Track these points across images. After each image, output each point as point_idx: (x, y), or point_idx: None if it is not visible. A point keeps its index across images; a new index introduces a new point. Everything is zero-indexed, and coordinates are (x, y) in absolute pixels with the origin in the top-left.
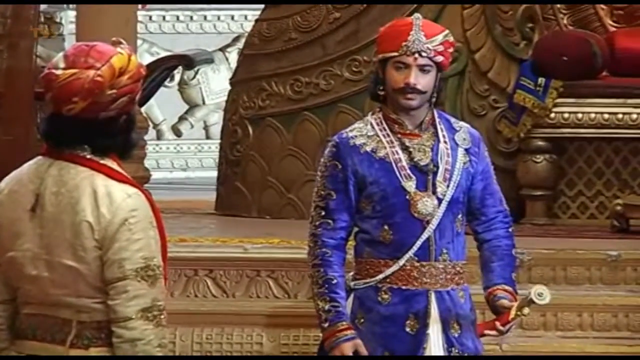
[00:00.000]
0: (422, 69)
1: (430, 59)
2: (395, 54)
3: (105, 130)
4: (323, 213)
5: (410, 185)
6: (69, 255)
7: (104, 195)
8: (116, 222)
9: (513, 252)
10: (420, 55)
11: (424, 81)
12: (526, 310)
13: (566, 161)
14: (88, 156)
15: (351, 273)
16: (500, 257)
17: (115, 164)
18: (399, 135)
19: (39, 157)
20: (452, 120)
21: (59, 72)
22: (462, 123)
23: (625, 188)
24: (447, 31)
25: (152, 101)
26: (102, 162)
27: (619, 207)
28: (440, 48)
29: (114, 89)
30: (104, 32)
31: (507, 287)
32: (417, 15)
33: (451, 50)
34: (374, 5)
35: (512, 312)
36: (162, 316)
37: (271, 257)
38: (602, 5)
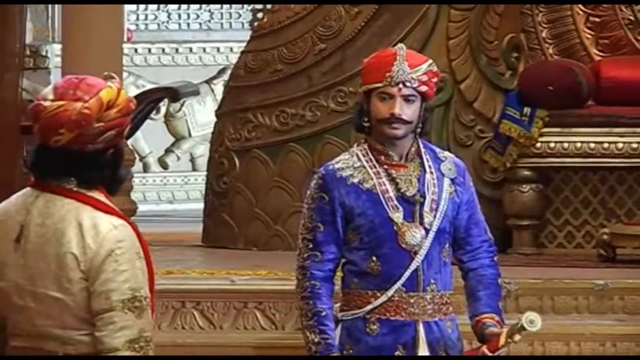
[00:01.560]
0: (407, 99)
1: (414, 89)
2: (380, 84)
3: (92, 163)
4: (311, 245)
5: (398, 216)
6: (54, 286)
7: (89, 227)
8: (102, 253)
9: (499, 282)
10: (405, 86)
11: (409, 111)
12: (517, 337)
13: (552, 191)
14: (74, 188)
15: (338, 304)
16: (486, 286)
17: (103, 196)
18: (385, 166)
19: (27, 189)
20: (437, 150)
21: (47, 103)
22: (447, 153)
23: (611, 217)
24: (430, 61)
25: (138, 134)
26: (89, 194)
27: (605, 236)
28: (424, 78)
29: (101, 122)
30: (90, 65)
31: (494, 316)
32: (400, 45)
33: (435, 80)
34: (359, 36)
35: (502, 339)
36: (149, 347)
37: (258, 289)
38: (588, 35)
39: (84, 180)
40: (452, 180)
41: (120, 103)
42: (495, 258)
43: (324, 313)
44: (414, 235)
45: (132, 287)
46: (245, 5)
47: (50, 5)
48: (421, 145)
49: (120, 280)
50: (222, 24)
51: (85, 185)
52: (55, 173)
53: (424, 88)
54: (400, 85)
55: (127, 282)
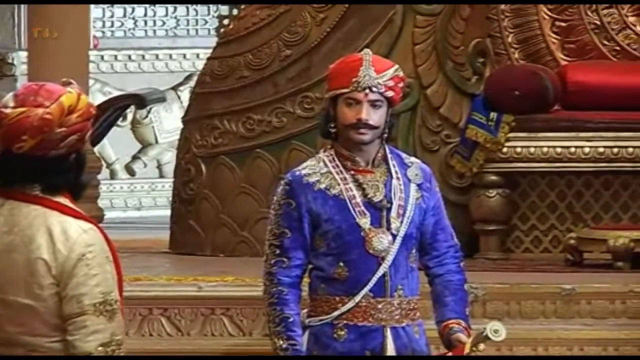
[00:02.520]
0: (373, 104)
1: (381, 94)
2: (346, 90)
3: (55, 168)
4: (278, 251)
5: (365, 222)
6: (23, 293)
7: (59, 231)
8: (73, 258)
9: (465, 287)
10: (371, 91)
11: (375, 116)
12: (481, 347)
13: (519, 195)
14: (40, 194)
15: (305, 310)
16: (453, 292)
17: (69, 201)
18: (352, 172)
19: None
20: (404, 155)
21: (8, 110)
22: (413, 159)
23: (578, 221)
24: (397, 66)
25: (105, 141)
26: (54, 199)
27: (572, 241)
28: (391, 83)
29: (63, 127)
30: (56, 72)
31: (461, 322)
32: (366, 50)
33: (401, 85)
34: (325, 42)
35: (467, 348)
36: (121, 350)
37: (225, 295)
38: (554, 39)
39: (48, 186)
40: (419, 185)
41: (81, 108)
42: (462, 264)
43: (291, 319)
44: (381, 240)
45: (103, 290)
46: (212, 12)
47: (16, 13)
48: (387, 151)
49: (92, 284)
50: (188, 30)
51: (50, 191)
52: (19, 180)
53: (390, 93)
54: (367, 91)
55: (99, 285)
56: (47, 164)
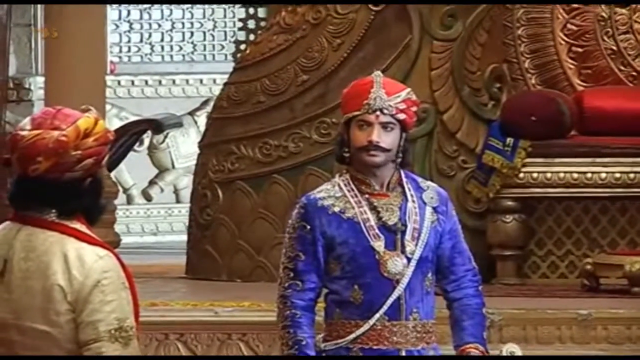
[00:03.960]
0: (385, 126)
1: (392, 116)
2: (358, 113)
3: (70, 192)
4: (292, 274)
5: (379, 245)
6: (40, 320)
7: (75, 258)
8: (89, 284)
9: (483, 311)
10: (382, 113)
11: (387, 139)
12: None
13: (535, 221)
14: (56, 220)
15: (321, 335)
16: (471, 316)
17: (85, 227)
18: (367, 195)
19: (7, 223)
20: (419, 179)
21: (24, 133)
22: (429, 182)
23: (594, 247)
24: (409, 89)
25: (121, 166)
26: (71, 225)
27: (588, 266)
28: (402, 106)
29: (79, 149)
30: (73, 97)
31: (479, 346)
32: (377, 72)
33: (415, 109)
34: (342, 68)
35: None
36: None
37: (242, 320)
38: (570, 65)
39: (63, 210)
40: (434, 208)
41: (98, 132)
42: (480, 287)
43: (304, 342)
44: (395, 263)
45: (118, 317)
46: (228, 37)
47: (33, 38)
48: (403, 175)
49: (107, 311)
50: (205, 55)
51: (66, 215)
52: (35, 204)
53: (402, 116)
54: (378, 113)
55: (114, 312)
56: (63, 188)
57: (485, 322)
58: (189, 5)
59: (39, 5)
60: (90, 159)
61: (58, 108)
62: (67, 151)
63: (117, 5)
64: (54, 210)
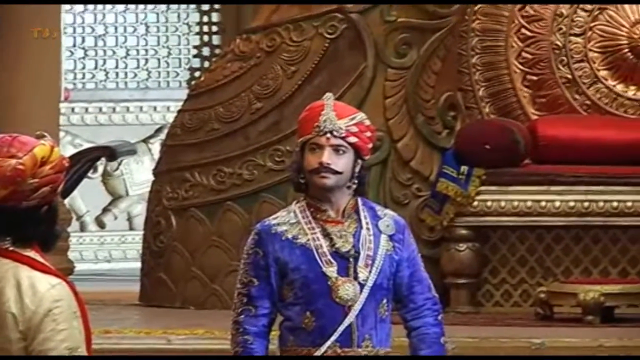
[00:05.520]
0: (337, 149)
1: (343, 139)
2: (310, 136)
3: (27, 220)
4: (245, 300)
5: (332, 271)
6: None
7: (27, 286)
8: (40, 313)
9: (441, 341)
10: (333, 135)
11: (339, 161)
12: None
13: (489, 249)
14: (10, 248)
15: None
16: (429, 345)
17: (39, 255)
18: (321, 222)
19: None
20: (377, 207)
21: None
22: (387, 210)
23: (548, 275)
24: (361, 114)
25: (75, 193)
26: (25, 253)
27: (542, 295)
28: (354, 129)
29: (35, 178)
30: (27, 124)
31: None
32: (328, 95)
33: (369, 134)
34: (296, 95)
35: None
36: None
37: (195, 348)
38: (525, 93)
39: (19, 238)
40: (390, 237)
41: (54, 159)
42: (440, 317)
43: None
44: (347, 290)
45: (69, 346)
46: (183, 64)
47: None
48: (360, 202)
49: (58, 340)
50: (159, 82)
51: (21, 243)
52: None
53: (353, 139)
54: (328, 135)
55: (65, 341)
56: (19, 216)
57: (444, 351)
58: (144, 33)
59: None
60: (47, 187)
61: (14, 135)
62: (24, 180)
63: (71, 32)
64: (8, 238)
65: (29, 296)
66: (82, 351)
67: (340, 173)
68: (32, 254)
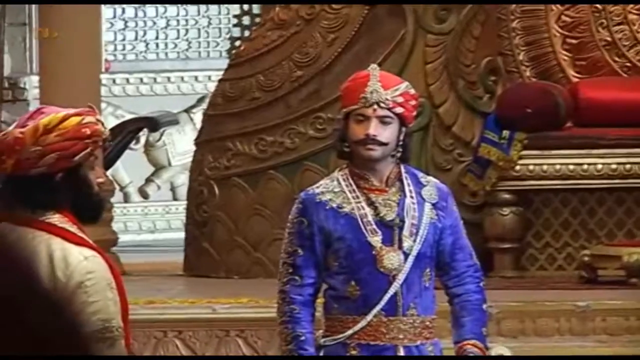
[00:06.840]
0: (382, 120)
1: (389, 109)
2: (355, 106)
3: (40, 187)
4: (290, 270)
5: (377, 240)
6: None
7: (60, 259)
8: (71, 286)
9: (484, 307)
10: (379, 107)
11: (385, 132)
12: None
13: (533, 213)
14: (41, 219)
15: (321, 330)
16: (470, 312)
17: (75, 227)
18: (365, 191)
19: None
20: (420, 175)
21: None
22: (430, 178)
23: (592, 238)
24: (406, 83)
25: (118, 164)
26: (59, 225)
27: (586, 258)
28: (400, 99)
29: (38, 145)
30: (68, 96)
31: (477, 342)
32: (373, 66)
33: (413, 103)
34: (336, 63)
35: None
36: None
37: (240, 317)
38: (565, 57)
39: (36, 205)
40: (434, 204)
41: (65, 127)
42: (482, 284)
43: (302, 337)
44: (392, 259)
45: (102, 318)
46: (223, 34)
47: (27, 37)
48: (403, 170)
49: (90, 312)
50: (199, 52)
51: (41, 210)
52: (11, 202)
53: (399, 109)
54: (375, 106)
55: (97, 313)
56: (31, 183)
57: (485, 318)
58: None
59: (33, 5)
60: (53, 154)
61: (41, 107)
62: (24, 147)
63: (111, 4)
64: (29, 207)
65: (61, 268)
66: (117, 322)
67: (386, 144)
68: (67, 225)
